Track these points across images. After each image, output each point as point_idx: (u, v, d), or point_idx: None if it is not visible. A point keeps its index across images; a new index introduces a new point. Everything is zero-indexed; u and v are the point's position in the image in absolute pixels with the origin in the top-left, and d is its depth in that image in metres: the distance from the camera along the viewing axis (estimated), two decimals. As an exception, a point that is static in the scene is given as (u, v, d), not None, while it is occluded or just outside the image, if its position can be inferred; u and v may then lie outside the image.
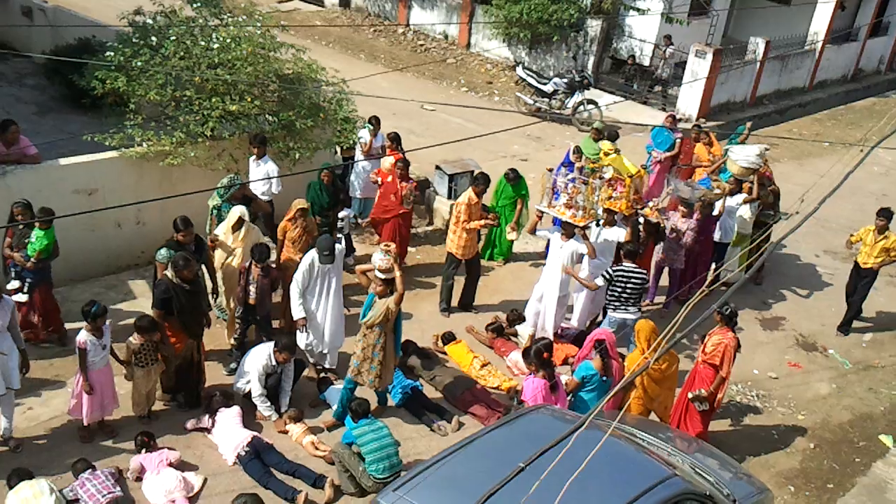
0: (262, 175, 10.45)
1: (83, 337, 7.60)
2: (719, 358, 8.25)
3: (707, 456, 7.49)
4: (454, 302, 10.97)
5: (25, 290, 8.67)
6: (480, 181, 10.58)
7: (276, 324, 9.89)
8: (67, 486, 7.21)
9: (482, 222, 10.53)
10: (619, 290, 9.44)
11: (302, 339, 9.07)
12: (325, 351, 9.22)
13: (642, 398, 8.43)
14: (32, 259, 8.53)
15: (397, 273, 8.00)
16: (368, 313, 8.10)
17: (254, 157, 10.53)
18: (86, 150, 10.17)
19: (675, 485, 6.13)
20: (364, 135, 12.08)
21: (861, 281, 11.36)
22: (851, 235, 11.45)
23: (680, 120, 16.43)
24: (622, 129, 18.23)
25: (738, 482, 7.18)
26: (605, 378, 8.19)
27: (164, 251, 8.73)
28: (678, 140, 13.98)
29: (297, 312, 8.90)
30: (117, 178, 10.13)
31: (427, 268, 11.96)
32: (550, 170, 10.29)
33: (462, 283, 10.95)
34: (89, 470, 7.31)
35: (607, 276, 9.44)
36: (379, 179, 11.40)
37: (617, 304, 9.49)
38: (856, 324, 11.73)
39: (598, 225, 10.52)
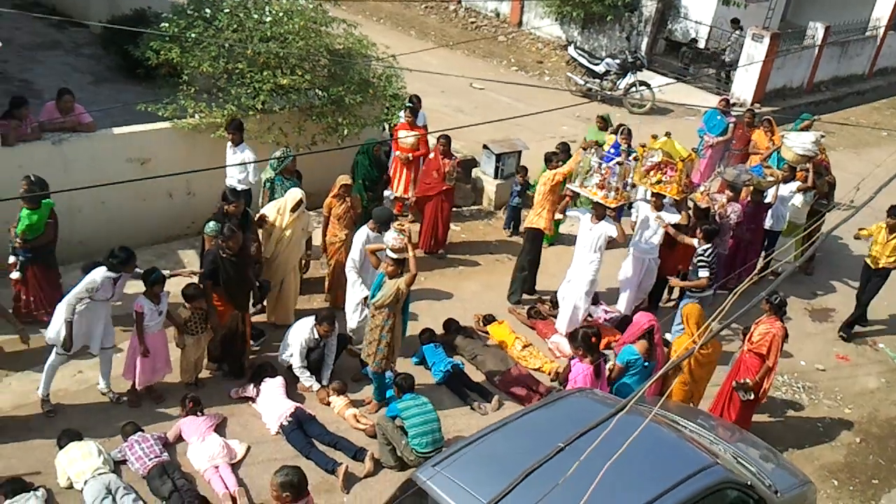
0: (238, 161, 10.01)
1: (141, 301, 7.79)
2: (766, 347, 8.13)
3: (750, 446, 7.41)
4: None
5: (18, 267, 8.62)
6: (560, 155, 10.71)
7: (321, 300, 10.01)
8: (116, 447, 7.41)
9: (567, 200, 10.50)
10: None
11: (355, 318, 9.14)
12: None
13: (687, 383, 8.34)
14: (17, 239, 8.45)
15: (411, 253, 7.91)
16: (377, 294, 8.02)
17: (230, 143, 10.07)
18: (139, 120, 10.31)
19: (717, 473, 6.08)
20: (401, 115, 12.06)
21: (871, 280, 10.81)
22: (861, 230, 10.90)
23: (734, 104, 16.10)
24: (674, 111, 18.10)
25: (781, 473, 7.09)
26: (647, 363, 8.12)
27: (212, 224, 8.85)
28: (731, 124, 13.73)
29: (360, 291, 8.94)
30: (169, 149, 10.27)
31: (471, 246, 11.96)
32: (585, 149, 10.14)
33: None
34: (139, 433, 7.51)
35: (712, 266, 9.45)
36: (410, 156, 11.38)
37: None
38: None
39: (630, 208, 10.45)
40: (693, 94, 18.71)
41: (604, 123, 12.71)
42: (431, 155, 11.42)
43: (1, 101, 9.17)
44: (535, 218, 10.43)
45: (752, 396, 8.25)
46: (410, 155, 11.49)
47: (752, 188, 10.95)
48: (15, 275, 8.64)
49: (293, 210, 9.09)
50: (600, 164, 9.76)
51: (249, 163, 9.83)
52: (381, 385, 8.50)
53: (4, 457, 7.29)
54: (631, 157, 9.95)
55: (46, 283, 8.83)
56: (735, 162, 13.03)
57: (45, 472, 7.12)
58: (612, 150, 11.29)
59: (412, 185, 11.70)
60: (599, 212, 9.66)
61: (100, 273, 7.58)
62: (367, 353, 8.23)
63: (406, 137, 11.46)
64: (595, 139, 11.74)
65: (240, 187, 10.10)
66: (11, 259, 8.64)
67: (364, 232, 8.95)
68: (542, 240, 10.59)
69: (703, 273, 9.48)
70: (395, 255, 7.94)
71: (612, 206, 9.70)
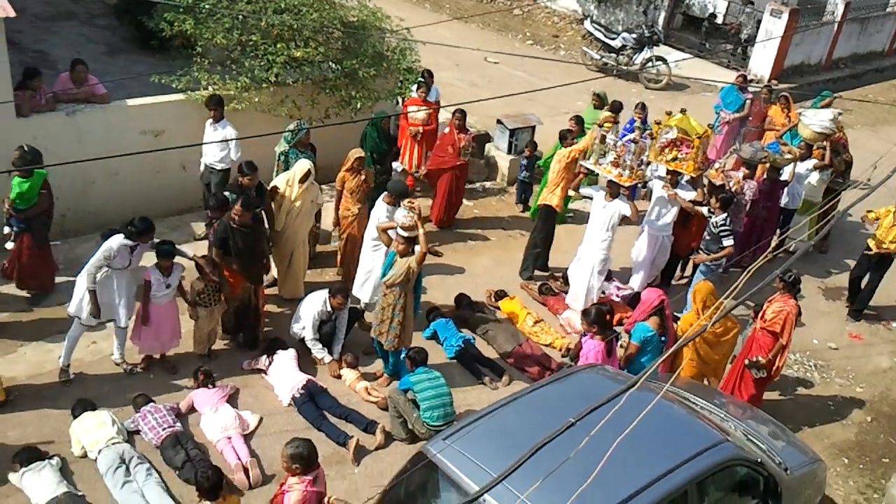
0: (219, 140, 9.77)
1: (150, 271, 7.84)
2: (780, 325, 8.10)
3: (760, 423, 7.41)
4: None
5: (13, 238, 8.60)
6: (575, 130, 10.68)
7: (332, 273, 10.03)
8: (129, 418, 7.49)
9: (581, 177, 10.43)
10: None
11: (368, 291, 9.15)
12: None
13: (695, 361, 8.33)
14: (6, 207, 8.42)
15: (421, 231, 7.88)
16: (388, 272, 8.02)
17: (210, 120, 9.86)
18: (153, 91, 10.30)
19: (726, 450, 6.08)
20: (413, 89, 11.98)
21: (873, 266, 10.62)
22: (869, 212, 10.67)
23: (751, 81, 15.94)
24: (691, 87, 17.93)
25: (791, 451, 7.09)
26: (663, 338, 8.09)
27: (226, 194, 8.86)
28: (748, 101, 13.59)
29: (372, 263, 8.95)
30: (183, 121, 10.25)
31: (483, 221, 11.94)
32: (600, 125, 10.05)
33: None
34: (151, 404, 7.58)
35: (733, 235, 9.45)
36: (420, 130, 11.35)
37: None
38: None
39: (643, 186, 10.38)
40: (710, 70, 18.51)
41: (599, 101, 12.46)
42: (446, 129, 11.36)
43: (15, 71, 9.16)
44: (548, 195, 10.36)
45: (765, 374, 8.24)
46: (421, 129, 11.44)
47: (768, 166, 10.85)
48: (9, 245, 8.65)
49: (302, 181, 9.05)
50: (616, 141, 9.69)
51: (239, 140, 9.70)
52: (395, 361, 8.51)
53: (20, 425, 7.37)
54: (646, 134, 9.86)
55: (35, 257, 8.69)
56: (751, 139, 12.90)
57: (60, 441, 7.20)
58: (627, 126, 11.23)
59: (423, 159, 11.65)
60: (613, 190, 9.57)
61: (117, 240, 7.61)
62: (380, 332, 8.22)
63: (417, 112, 11.39)
64: (591, 119, 11.65)
65: (219, 166, 9.94)
66: (6, 230, 8.67)
67: (381, 206, 8.94)
68: (555, 217, 10.52)
69: (728, 242, 9.40)
70: (405, 234, 7.93)
71: (627, 184, 9.63)
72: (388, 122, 10.82)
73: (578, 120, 11.48)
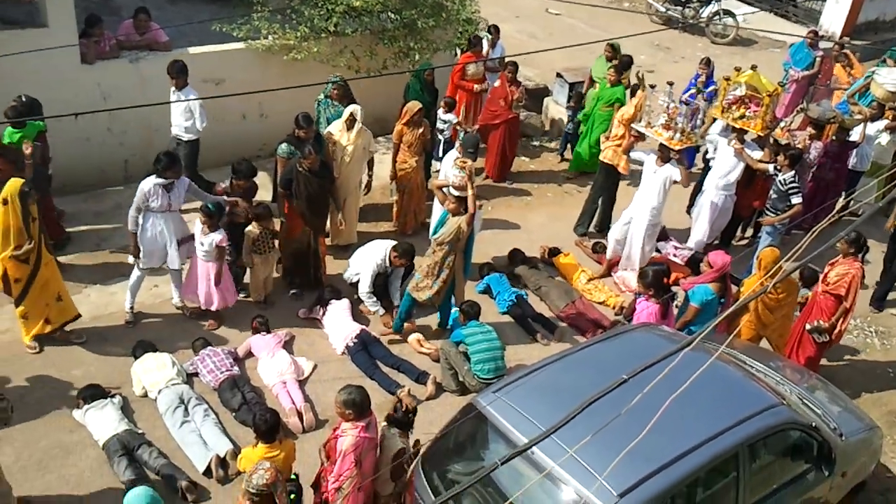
0: (183, 109, 9.21)
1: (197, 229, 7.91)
2: (844, 288, 7.89)
3: (816, 388, 7.29)
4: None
5: None
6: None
7: (389, 226, 10.06)
8: (188, 360, 7.69)
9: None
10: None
11: None
12: None
13: (754, 323, 8.19)
14: None
15: (470, 192, 7.81)
16: (440, 230, 8.00)
17: (173, 88, 9.19)
18: (214, 40, 10.36)
19: (781, 413, 6.01)
20: (483, 44, 11.80)
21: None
22: None
23: (822, 37, 15.34)
24: (759, 42, 17.37)
25: (847, 416, 6.97)
26: (722, 300, 7.97)
27: (284, 146, 8.94)
28: (819, 58, 13.12)
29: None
30: (243, 70, 10.31)
31: (539, 176, 11.82)
32: (653, 87, 9.75)
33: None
34: (210, 347, 7.76)
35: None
36: (478, 87, 11.24)
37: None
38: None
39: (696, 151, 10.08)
40: (779, 25, 17.86)
41: (612, 52, 11.67)
42: (497, 83, 11.20)
43: (79, 17, 9.29)
44: (609, 153, 10.10)
45: (827, 338, 8.06)
46: (477, 86, 11.30)
47: (836, 126, 10.50)
48: None
49: (349, 127, 9.08)
50: (668, 103, 9.41)
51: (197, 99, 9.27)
52: (443, 313, 8.55)
53: (83, 364, 7.64)
54: (699, 96, 9.55)
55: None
56: (820, 98, 12.49)
57: (122, 381, 7.45)
58: (692, 82, 10.89)
59: (476, 114, 11.52)
60: (664, 154, 9.21)
61: (148, 181, 7.71)
62: (422, 286, 8.16)
63: (471, 70, 11.23)
64: (601, 71, 11.30)
65: (186, 137, 9.44)
66: None
67: (452, 154, 8.93)
68: (617, 175, 10.27)
69: (796, 199, 9.14)
70: (456, 193, 7.91)
71: (677, 148, 9.34)
72: (432, 74, 10.69)
73: (613, 50, 11.37)
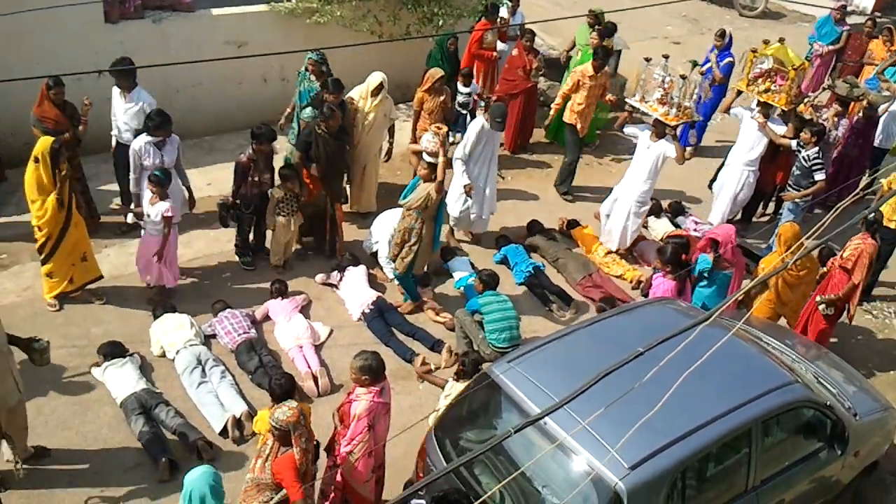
0: (135, 112, 8.21)
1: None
2: (852, 262, 7.83)
3: (832, 367, 7.25)
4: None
5: None
6: (600, 55, 10.15)
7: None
8: (207, 322, 7.75)
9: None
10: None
11: (457, 207, 9.15)
12: (483, 216, 9.28)
13: (773, 301, 8.14)
14: None
15: (441, 159, 7.72)
16: (409, 196, 7.91)
17: (118, 92, 8.28)
18: (237, 2, 10.33)
19: (795, 391, 5.99)
20: (502, 11, 11.65)
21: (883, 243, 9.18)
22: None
23: (852, 12, 15.06)
24: (787, 16, 17.08)
25: (862, 396, 6.93)
26: (727, 272, 7.91)
27: (308, 110, 8.90)
28: (845, 33, 12.89)
29: (464, 178, 8.93)
30: (266, 33, 10.28)
31: (558, 147, 11.71)
32: (648, 59, 9.61)
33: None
34: (228, 310, 7.82)
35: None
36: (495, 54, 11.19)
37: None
38: None
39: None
40: (809, -2, 17.55)
41: (595, 19, 11.38)
42: (515, 51, 11.09)
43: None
44: (568, 114, 10.31)
45: (832, 311, 7.99)
46: (494, 54, 11.20)
47: (863, 103, 10.34)
48: None
49: (374, 94, 9.02)
50: (663, 77, 9.25)
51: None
52: (406, 286, 8.37)
53: (102, 323, 7.72)
54: (694, 71, 9.40)
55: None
56: (847, 74, 12.29)
57: (141, 340, 7.52)
58: (707, 56, 10.60)
59: (493, 83, 11.43)
60: (659, 130, 9.02)
61: (139, 140, 7.77)
62: (392, 254, 8.14)
63: (489, 38, 11.13)
64: (584, 39, 11.15)
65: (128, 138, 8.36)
66: None
67: (479, 121, 8.89)
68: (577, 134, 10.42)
69: (819, 176, 9.00)
70: (429, 159, 7.85)
71: (673, 123, 9.17)
72: (455, 44, 10.57)
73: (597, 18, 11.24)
